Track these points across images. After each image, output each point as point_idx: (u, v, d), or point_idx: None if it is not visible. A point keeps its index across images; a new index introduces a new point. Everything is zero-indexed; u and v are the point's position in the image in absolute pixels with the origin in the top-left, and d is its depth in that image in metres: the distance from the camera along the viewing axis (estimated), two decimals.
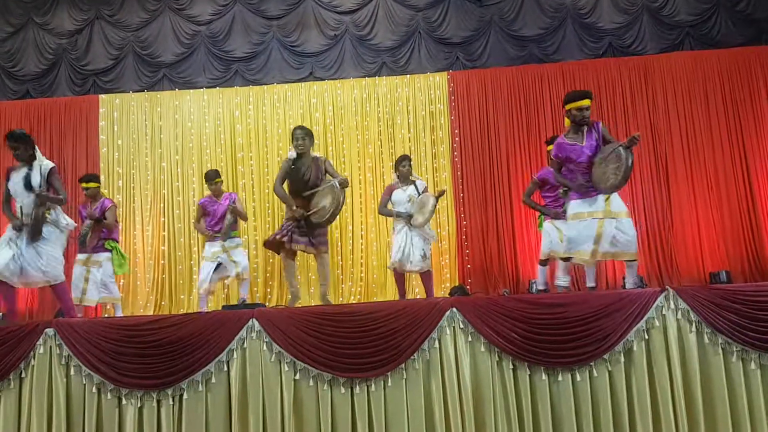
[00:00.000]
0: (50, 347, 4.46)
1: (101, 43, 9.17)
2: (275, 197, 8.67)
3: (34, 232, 4.98)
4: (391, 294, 8.28)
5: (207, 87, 9.04)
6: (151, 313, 8.19)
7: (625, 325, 4.31)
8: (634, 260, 4.97)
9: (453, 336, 4.37)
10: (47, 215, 5.04)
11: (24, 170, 5.10)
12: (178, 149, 8.91)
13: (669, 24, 8.83)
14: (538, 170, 8.50)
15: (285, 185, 5.79)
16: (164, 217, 8.78)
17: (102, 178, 8.73)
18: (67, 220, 5.23)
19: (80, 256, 6.61)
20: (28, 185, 5.05)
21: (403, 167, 6.46)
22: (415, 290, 8.33)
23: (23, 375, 4.44)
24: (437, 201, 6.31)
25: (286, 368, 4.36)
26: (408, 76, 8.92)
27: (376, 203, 8.68)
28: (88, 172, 7.62)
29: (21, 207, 5.08)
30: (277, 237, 5.66)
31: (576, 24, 8.93)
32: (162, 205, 8.81)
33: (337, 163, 8.63)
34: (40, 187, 5.04)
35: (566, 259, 5.81)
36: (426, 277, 6.51)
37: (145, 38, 9.16)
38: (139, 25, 9.17)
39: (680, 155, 8.51)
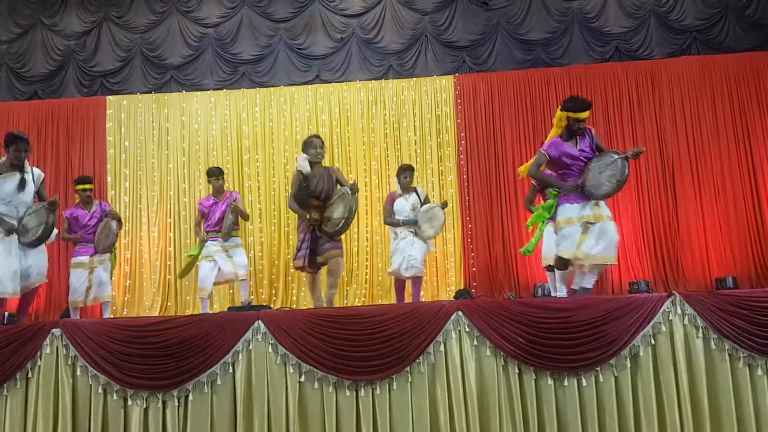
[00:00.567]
0: (57, 347, 4.47)
1: (109, 44, 9.21)
2: (281, 199, 8.76)
3: (42, 238, 4.99)
4: (395, 297, 8.28)
5: (214, 89, 9.07)
6: (157, 314, 8.20)
7: (631, 330, 4.30)
8: (605, 265, 4.95)
9: (458, 339, 4.36)
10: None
11: (16, 174, 5.05)
12: (185, 151, 8.94)
13: (676, 28, 8.81)
14: None
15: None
16: (170, 218, 8.80)
17: (109, 179, 8.79)
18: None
19: (82, 259, 6.61)
20: (22, 188, 5.03)
21: (404, 178, 6.53)
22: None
23: (30, 375, 4.45)
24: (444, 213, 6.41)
25: (292, 370, 4.36)
26: (414, 79, 8.93)
27: (382, 206, 8.70)
28: (84, 174, 7.58)
29: (16, 209, 5.02)
30: (296, 266, 5.82)
31: (583, 28, 8.92)
32: (168, 206, 8.83)
33: (343, 166, 8.63)
34: (34, 192, 5.09)
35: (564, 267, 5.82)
36: (416, 282, 6.52)
37: (152, 40, 9.20)
38: (147, 27, 9.21)
39: (687, 160, 8.48)
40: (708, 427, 4.20)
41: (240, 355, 4.40)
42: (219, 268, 6.69)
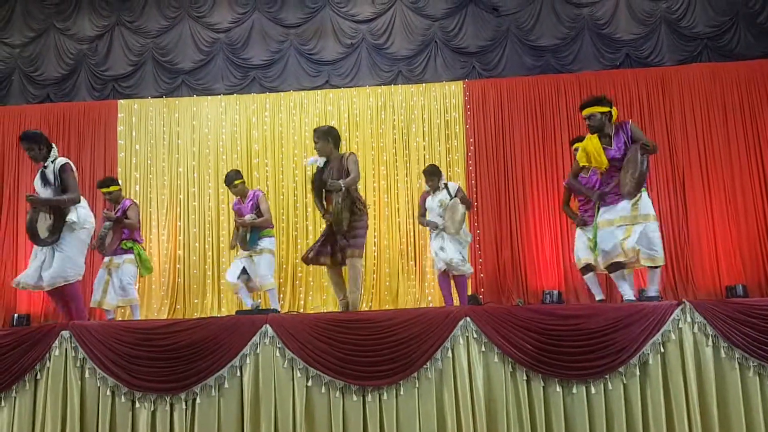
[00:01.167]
0: (66, 349, 4.49)
1: (121, 49, 9.30)
2: (289, 203, 8.80)
3: (29, 234, 4.91)
4: (403, 302, 8.28)
5: (224, 94, 9.13)
6: (165, 316, 8.24)
7: (641, 338, 4.26)
8: (657, 267, 4.89)
9: (466, 345, 4.35)
10: (66, 217, 4.99)
11: (42, 169, 5.09)
12: (195, 155, 9.00)
13: (687, 36, 8.78)
14: (554, 180, 8.51)
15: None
16: (180, 221, 8.85)
17: (119, 182, 8.82)
18: (79, 218, 5.07)
19: (104, 259, 6.55)
20: (45, 182, 5.01)
21: (427, 182, 6.62)
22: (428, 298, 8.33)
23: (38, 377, 4.48)
24: (466, 207, 6.45)
25: (299, 374, 4.36)
26: (424, 84, 8.95)
27: (390, 211, 8.73)
28: (106, 176, 7.56)
29: None
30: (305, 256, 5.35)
31: (593, 34, 8.91)
32: (178, 209, 8.89)
33: None
34: (54, 183, 4.99)
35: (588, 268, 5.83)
36: (460, 281, 6.47)
37: (164, 45, 9.27)
38: (159, 31, 9.29)
39: (697, 167, 8.44)
40: None
41: (247, 358, 4.40)
42: (244, 268, 6.55)
